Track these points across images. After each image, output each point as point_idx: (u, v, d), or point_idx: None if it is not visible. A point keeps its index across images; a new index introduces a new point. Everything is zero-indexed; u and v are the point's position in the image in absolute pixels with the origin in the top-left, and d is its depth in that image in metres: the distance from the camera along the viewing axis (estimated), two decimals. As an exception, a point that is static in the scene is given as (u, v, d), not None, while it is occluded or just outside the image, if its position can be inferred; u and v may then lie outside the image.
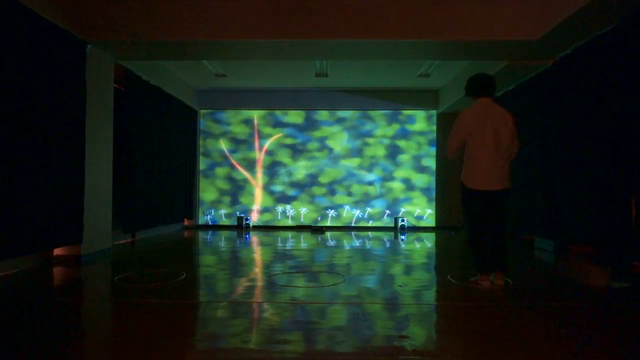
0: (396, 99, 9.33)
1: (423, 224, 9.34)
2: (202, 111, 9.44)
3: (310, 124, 9.43)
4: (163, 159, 7.48)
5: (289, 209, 9.43)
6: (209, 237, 7.84)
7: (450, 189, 8.89)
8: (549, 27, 4.64)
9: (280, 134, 9.42)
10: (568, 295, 3.61)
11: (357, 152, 9.40)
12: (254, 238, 7.64)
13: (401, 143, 9.36)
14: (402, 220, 9.01)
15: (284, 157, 9.42)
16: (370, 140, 9.39)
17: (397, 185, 9.37)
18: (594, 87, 4.71)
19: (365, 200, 9.39)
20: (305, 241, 7.15)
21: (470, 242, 3.89)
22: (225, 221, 9.38)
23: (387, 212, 9.32)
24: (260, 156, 9.43)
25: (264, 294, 3.62)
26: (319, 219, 9.37)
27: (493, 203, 3.74)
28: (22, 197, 4.04)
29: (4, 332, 2.56)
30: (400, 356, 2.25)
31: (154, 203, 7.13)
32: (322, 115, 9.42)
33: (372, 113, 9.38)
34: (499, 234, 3.79)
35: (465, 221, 3.93)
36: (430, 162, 9.33)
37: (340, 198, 9.41)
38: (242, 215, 9.23)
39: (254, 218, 9.35)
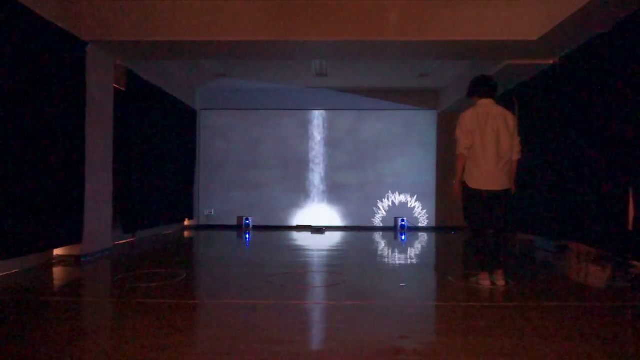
0: (396, 99, 9.32)
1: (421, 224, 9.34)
2: (202, 111, 9.44)
3: (311, 125, 9.43)
4: (163, 159, 7.48)
5: (289, 209, 9.43)
6: (209, 237, 7.83)
7: (450, 189, 8.88)
8: (549, 27, 4.64)
9: (280, 135, 9.42)
10: (568, 295, 3.61)
11: (357, 151, 9.40)
12: (254, 238, 7.64)
13: (401, 142, 9.36)
14: (402, 220, 9.01)
15: (284, 157, 9.42)
16: (369, 139, 9.38)
17: (395, 185, 9.37)
18: (594, 87, 4.72)
19: (364, 201, 9.39)
20: (305, 241, 7.15)
21: (472, 241, 3.92)
22: (225, 221, 9.37)
23: (383, 212, 9.32)
24: (260, 156, 9.42)
25: (264, 293, 3.62)
26: (319, 219, 9.36)
27: (494, 202, 3.78)
28: (22, 197, 4.04)
29: (4, 332, 2.56)
30: (400, 356, 2.25)
31: (154, 203, 7.12)
32: (322, 115, 9.42)
33: (371, 112, 9.38)
34: (501, 233, 3.81)
35: (466, 220, 3.95)
36: (430, 162, 9.32)
37: (339, 198, 9.41)
38: (242, 215, 9.24)
39: (254, 218, 9.32)
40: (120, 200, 6.10)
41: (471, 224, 3.91)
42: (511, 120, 3.80)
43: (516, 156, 3.82)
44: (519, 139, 3.85)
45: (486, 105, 3.81)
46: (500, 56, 5.70)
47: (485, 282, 3.80)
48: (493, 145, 3.70)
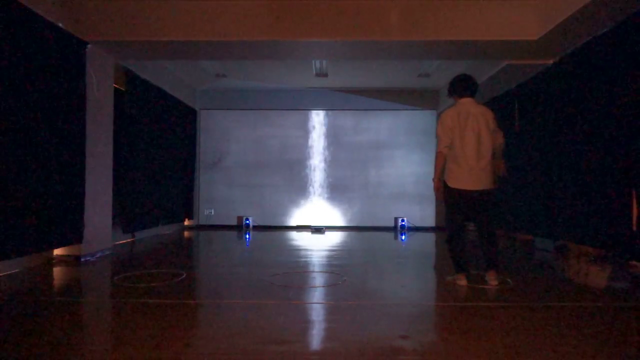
0: (396, 99, 9.32)
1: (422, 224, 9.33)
2: (202, 111, 9.43)
3: (311, 125, 9.43)
4: (163, 159, 7.48)
5: (289, 209, 9.42)
6: (209, 237, 7.83)
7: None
8: (549, 27, 4.64)
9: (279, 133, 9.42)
10: (568, 295, 3.61)
11: (357, 151, 9.39)
12: (254, 238, 7.64)
13: (401, 142, 9.35)
14: (402, 221, 9.00)
15: (284, 157, 9.41)
16: (369, 139, 9.38)
17: (395, 185, 9.36)
18: (594, 86, 4.71)
19: (364, 201, 9.39)
20: (305, 241, 7.15)
21: (449, 242, 3.93)
22: (225, 221, 9.37)
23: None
24: (260, 156, 9.42)
25: (264, 293, 3.62)
26: (319, 219, 9.36)
27: (476, 203, 3.77)
28: (23, 197, 4.04)
29: (4, 332, 2.56)
30: (400, 356, 2.25)
31: (154, 203, 7.12)
32: (322, 115, 9.42)
33: (371, 112, 9.38)
34: (487, 234, 3.80)
35: (445, 220, 3.96)
36: (430, 162, 9.30)
37: (339, 198, 9.41)
38: (242, 215, 9.23)
39: (254, 218, 9.31)
40: (120, 200, 6.10)
41: (450, 224, 3.90)
42: (491, 119, 3.79)
43: (500, 140, 3.83)
44: (502, 132, 3.86)
45: (466, 104, 3.81)
46: (500, 56, 5.70)
47: (461, 282, 3.82)
48: (473, 144, 3.70)
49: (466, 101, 3.83)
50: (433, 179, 3.94)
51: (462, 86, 3.86)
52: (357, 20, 4.97)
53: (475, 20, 4.93)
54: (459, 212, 3.83)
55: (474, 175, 3.71)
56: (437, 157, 3.83)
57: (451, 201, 3.84)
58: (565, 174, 5.27)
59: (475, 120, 3.72)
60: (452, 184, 3.79)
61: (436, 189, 3.91)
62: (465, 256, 3.89)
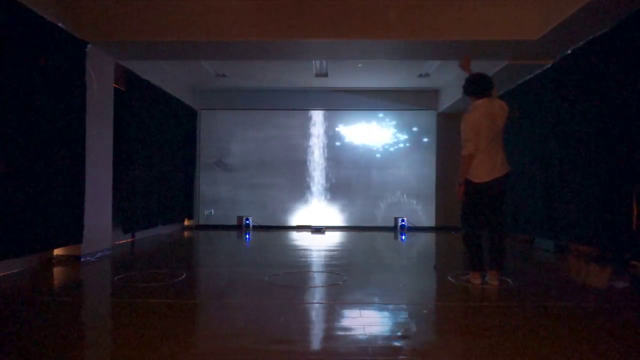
0: (396, 99, 9.32)
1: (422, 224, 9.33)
2: (202, 111, 9.43)
3: (311, 125, 9.43)
4: (163, 159, 7.48)
5: (289, 209, 9.42)
6: (209, 237, 7.83)
7: (450, 189, 8.87)
8: (549, 27, 4.65)
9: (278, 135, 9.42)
10: (568, 295, 3.61)
11: (357, 151, 9.40)
12: (254, 238, 7.64)
13: (401, 142, 9.36)
14: (402, 220, 9.00)
15: (283, 157, 9.41)
16: (369, 139, 9.39)
17: (395, 185, 9.36)
18: (594, 86, 4.72)
19: (364, 201, 9.39)
20: (305, 241, 7.15)
21: (465, 239, 3.92)
22: (225, 221, 9.37)
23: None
24: (260, 156, 9.42)
25: (264, 293, 3.62)
26: (319, 219, 9.35)
27: (495, 191, 3.75)
28: (23, 197, 4.04)
29: (4, 332, 2.56)
30: (400, 356, 2.25)
31: (153, 203, 7.12)
32: (321, 115, 9.42)
33: (371, 112, 9.38)
34: (497, 230, 3.79)
35: (462, 218, 3.94)
36: (430, 162, 9.31)
37: (339, 198, 9.41)
38: (242, 215, 9.23)
39: (254, 218, 9.31)
40: (120, 200, 6.10)
41: (466, 222, 3.90)
42: (505, 105, 3.85)
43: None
44: None
45: (486, 105, 3.80)
46: (500, 56, 5.69)
47: (476, 280, 3.83)
48: (494, 142, 3.73)
49: (486, 101, 3.82)
50: (458, 182, 3.91)
51: (482, 87, 3.84)
52: (357, 20, 4.97)
53: (476, 20, 4.93)
54: (477, 208, 3.83)
55: (492, 166, 3.73)
56: (465, 160, 3.78)
57: (471, 197, 3.83)
58: (566, 174, 5.27)
59: (500, 118, 3.76)
60: (475, 179, 3.78)
61: (460, 195, 3.89)
62: (481, 255, 3.86)
